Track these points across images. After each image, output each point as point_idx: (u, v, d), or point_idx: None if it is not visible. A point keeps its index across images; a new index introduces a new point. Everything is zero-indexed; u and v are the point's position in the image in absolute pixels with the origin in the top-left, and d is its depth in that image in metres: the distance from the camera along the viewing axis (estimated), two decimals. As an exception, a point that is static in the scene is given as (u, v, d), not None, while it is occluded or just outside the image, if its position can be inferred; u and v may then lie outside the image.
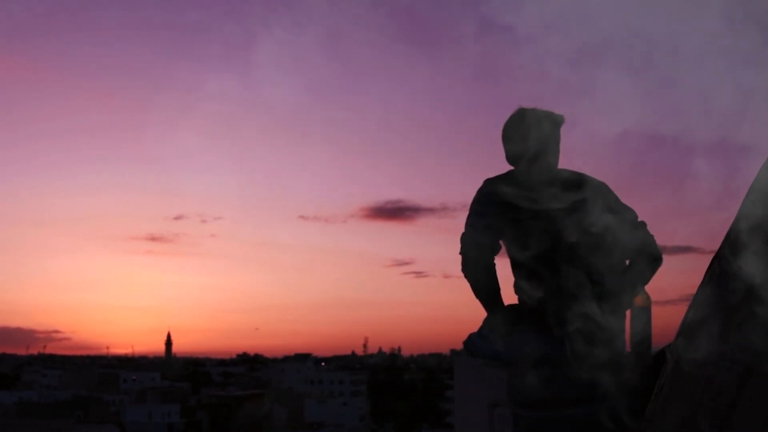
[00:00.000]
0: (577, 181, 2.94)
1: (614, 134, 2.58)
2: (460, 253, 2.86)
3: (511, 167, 3.02)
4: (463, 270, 2.86)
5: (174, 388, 74.49)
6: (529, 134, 2.89)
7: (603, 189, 2.98)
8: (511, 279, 2.96)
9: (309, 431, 60.27)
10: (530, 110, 2.94)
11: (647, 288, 3.20)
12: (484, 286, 2.87)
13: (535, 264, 2.83)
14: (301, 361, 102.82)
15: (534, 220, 2.83)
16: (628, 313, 3.01)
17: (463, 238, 2.85)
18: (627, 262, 2.95)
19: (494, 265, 2.85)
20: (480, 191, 2.92)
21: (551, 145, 2.94)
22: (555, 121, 2.96)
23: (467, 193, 2.89)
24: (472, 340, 3.10)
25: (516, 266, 2.94)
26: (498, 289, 2.87)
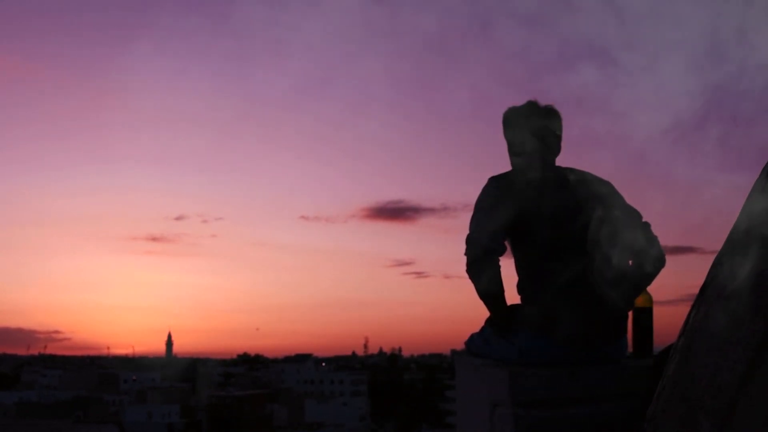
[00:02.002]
0: (582, 180, 2.94)
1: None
2: (466, 254, 2.81)
3: (513, 165, 3.02)
4: (468, 271, 2.81)
5: (174, 388, 74.43)
6: (527, 125, 2.92)
7: (608, 188, 2.97)
8: (513, 279, 2.94)
9: (309, 431, 60.18)
10: (530, 103, 2.97)
11: (649, 288, 3.21)
12: (490, 288, 2.83)
13: (542, 261, 2.81)
14: (301, 361, 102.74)
15: (540, 218, 2.81)
16: (630, 313, 3.02)
17: (469, 240, 2.81)
18: (630, 262, 2.95)
19: (500, 266, 2.82)
20: (485, 190, 2.89)
21: (550, 139, 2.96)
22: (553, 118, 2.98)
23: (468, 193, 2.87)
24: (473, 340, 3.09)
25: (521, 265, 2.91)
26: (503, 290, 2.84)
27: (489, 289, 2.82)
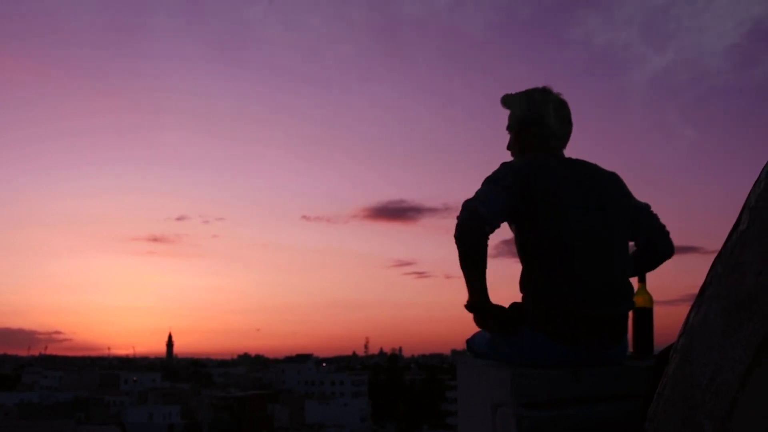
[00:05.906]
0: (591, 171, 2.94)
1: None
2: (457, 218, 2.74)
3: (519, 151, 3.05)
4: (456, 234, 2.72)
5: (175, 389, 74.43)
6: (543, 111, 2.98)
7: (616, 179, 3.00)
8: (515, 278, 2.91)
9: (310, 432, 60.22)
10: (545, 90, 3.05)
11: (650, 288, 3.22)
12: (474, 256, 2.73)
13: (549, 254, 2.79)
14: (302, 361, 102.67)
15: (550, 208, 2.79)
16: (631, 314, 3.03)
17: (466, 205, 2.75)
18: (640, 252, 3.05)
19: (488, 238, 2.74)
20: (496, 171, 2.86)
21: (565, 127, 3.01)
22: (565, 106, 3.03)
23: (470, 193, 2.82)
24: (474, 341, 3.10)
25: (526, 258, 2.87)
26: (485, 264, 2.75)
27: (473, 257, 2.74)
